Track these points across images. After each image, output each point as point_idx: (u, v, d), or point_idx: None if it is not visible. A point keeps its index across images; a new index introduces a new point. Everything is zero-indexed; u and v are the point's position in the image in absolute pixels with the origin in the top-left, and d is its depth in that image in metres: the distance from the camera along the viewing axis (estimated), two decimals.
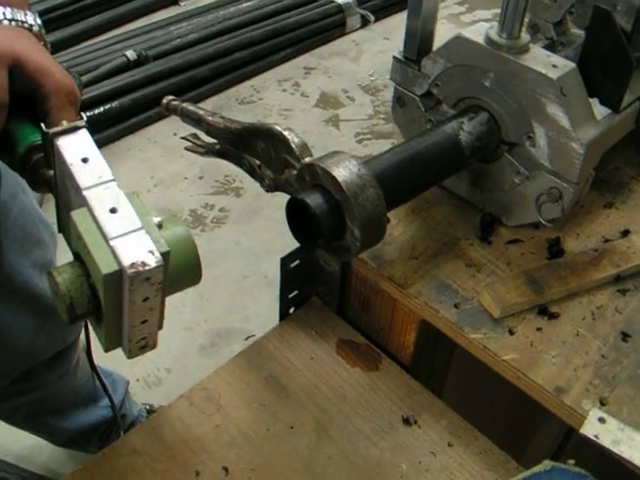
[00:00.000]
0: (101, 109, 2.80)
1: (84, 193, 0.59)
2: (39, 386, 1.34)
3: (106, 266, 0.55)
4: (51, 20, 3.26)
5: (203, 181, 2.72)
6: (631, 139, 1.02)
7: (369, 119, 3.05)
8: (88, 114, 2.74)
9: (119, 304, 0.59)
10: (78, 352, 1.40)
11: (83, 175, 0.61)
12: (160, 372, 2.08)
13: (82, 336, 1.35)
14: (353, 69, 3.37)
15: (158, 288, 0.57)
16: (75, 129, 0.64)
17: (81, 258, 0.60)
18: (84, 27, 3.34)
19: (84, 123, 0.65)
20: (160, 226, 0.60)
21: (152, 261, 0.55)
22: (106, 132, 2.82)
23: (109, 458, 0.88)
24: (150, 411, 1.80)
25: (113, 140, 2.85)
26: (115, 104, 2.84)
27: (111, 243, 0.56)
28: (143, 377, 2.06)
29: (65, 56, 3.05)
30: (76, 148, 0.63)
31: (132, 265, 0.55)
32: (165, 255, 0.57)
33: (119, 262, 0.55)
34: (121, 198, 0.59)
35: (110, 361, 1.57)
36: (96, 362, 1.39)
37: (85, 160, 0.62)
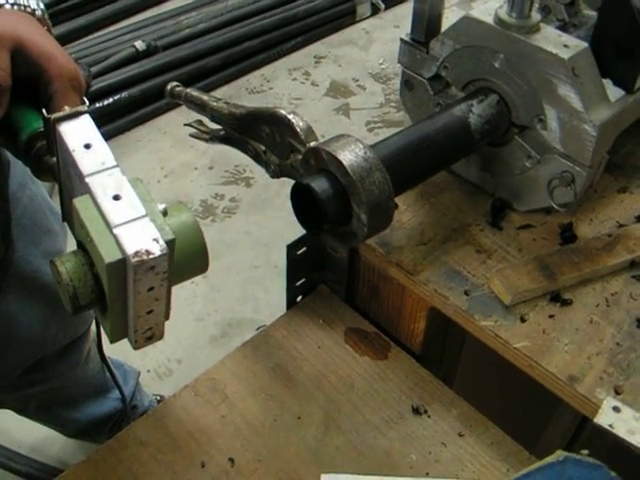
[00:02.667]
0: (110, 100, 2.79)
1: (87, 180, 0.58)
2: (50, 377, 1.33)
3: (109, 255, 0.54)
4: (60, 11, 3.25)
5: (213, 171, 2.70)
6: None
7: (380, 107, 3.03)
8: (97, 105, 2.73)
9: (124, 294, 0.58)
10: (89, 343, 1.39)
11: (85, 161, 0.60)
12: (171, 363, 2.07)
13: (93, 327, 1.34)
14: (363, 57, 3.35)
15: (163, 277, 0.56)
16: (77, 114, 0.63)
17: (84, 247, 0.58)
18: (93, 18, 3.33)
19: (86, 108, 0.64)
20: (165, 213, 0.59)
21: (156, 249, 0.54)
22: (115, 123, 2.81)
23: (114, 449, 0.87)
24: (161, 402, 1.80)
25: (123, 131, 2.84)
26: (124, 95, 2.83)
27: (114, 231, 0.55)
28: (154, 368, 2.06)
29: (74, 47, 3.04)
30: (78, 134, 0.62)
31: (136, 254, 0.53)
32: (170, 243, 0.55)
33: (122, 250, 0.54)
34: (124, 185, 0.58)
35: (121, 352, 1.57)
36: (107, 353, 1.38)
37: (88, 146, 0.61)
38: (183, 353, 2.09)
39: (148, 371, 2.03)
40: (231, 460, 0.85)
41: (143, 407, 1.70)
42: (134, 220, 0.56)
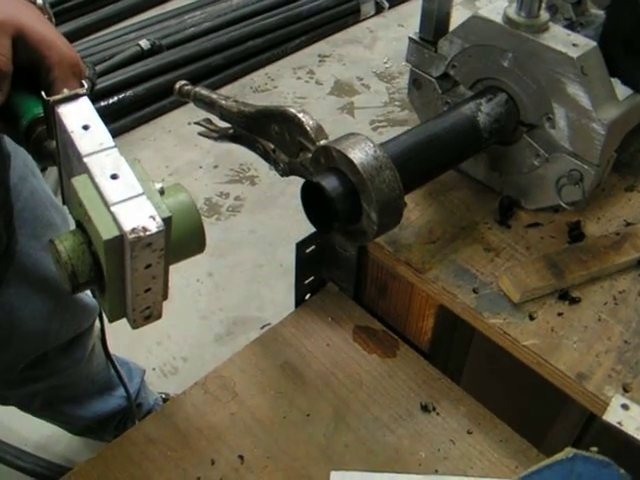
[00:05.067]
0: (115, 98, 2.79)
1: (85, 160, 0.59)
2: (54, 373, 1.33)
3: (107, 232, 0.55)
4: (65, 10, 3.25)
5: (218, 170, 2.70)
6: None
7: (384, 106, 3.02)
8: (102, 104, 2.74)
9: (121, 272, 0.58)
10: (93, 339, 1.39)
11: (84, 142, 0.60)
12: (176, 361, 2.07)
13: (97, 323, 1.34)
14: (368, 56, 3.34)
15: (160, 255, 0.57)
16: (76, 97, 0.64)
17: (83, 226, 0.59)
18: (98, 17, 3.33)
19: (85, 91, 0.65)
20: (162, 192, 0.60)
21: (153, 226, 0.55)
22: (120, 121, 2.81)
23: (123, 446, 0.87)
24: (166, 400, 1.80)
25: (128, 129, 2.84)
26: (129, 93, 2.83)
27: (112, 209, 0.55)
28: (159, 366, 2.06)
29: (79, 46, 3.04)
30: (77, 115, 0.63)
31: (133, 230, 0.54)
32: (167, 220, 0.56)
33: (120, 227, 0.55)
34: (122, 164, 0.59)
35: (126, 350, 1.58)
36: (112, 351, 1.38)
37: (86, 127, 0.62)
38: (188, 351, 2.09)
39: (153, 369, 2.03)
40: (241, 457, 0.86)
41: (148, 405, 1.70)
42: (131, 198, 0.56)
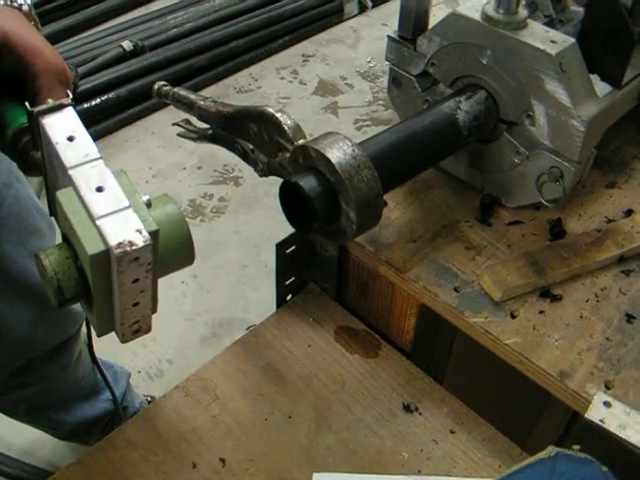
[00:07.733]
0: (98, 100, 2.77)
1: (70, 172, 0.58)
2: (40, 379, 1.32)
3: (92, 246, 0.54)
4: (47, 12, 3.23)
5: (202, 171, 2.69)
6: (633, 117, 1.00)
7: (368, 106, 3.02)
8: (85, 106, 2.72)
9: (109, 286, 0.57)
10: (79, 344, 1.38)
11: (69, 154, 0.59)
12: (161, 363, 2.06)
13: (83, 328, 1.33)
14: (351, 56, 3.34)
15: (148, 269, 0.56)
16: (61, 107, 0.63)
17: (69, 240, 0.58)
18: (80, 18, 3.31)
19: (70, 101, 0.63)
20: (149, 205, 0.59)
21: (140, 240, 0.54)
22: (103, 124, 2.79)
23: (104, 451, 0.86)
24: (151, 402, 1.79)
25: (111, 131, 2.82)
26: (112, 95, 2.82)
27: (97, 223, 0.54)
28: (144, 369, 2.05)
29: (61, 48, 3.02)
30: (62, 126, 0.62)
31: (119, 245, 0.53)
32: (154, 234, 0.55)
33: (105, 242, 0.54)
34: (108, 176, 0.58)
35: (111, 353, 1.57)
36: (97, 354, 1.37)
37: (71, 139, 0.61)
38: (173, 353, 2.08)
39: (139, 372, 2.02)
40: (222, 460, 0.85)
41: (134, 408, 1.70)
42: (117, 211, 0.55)
